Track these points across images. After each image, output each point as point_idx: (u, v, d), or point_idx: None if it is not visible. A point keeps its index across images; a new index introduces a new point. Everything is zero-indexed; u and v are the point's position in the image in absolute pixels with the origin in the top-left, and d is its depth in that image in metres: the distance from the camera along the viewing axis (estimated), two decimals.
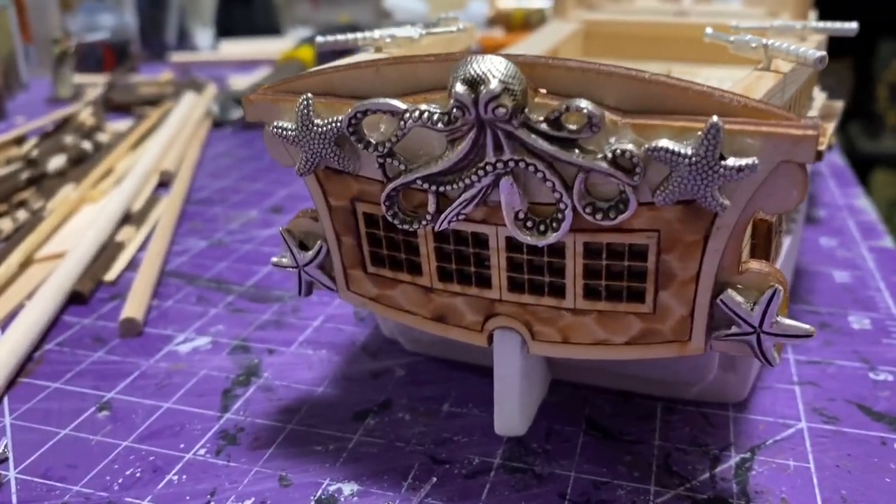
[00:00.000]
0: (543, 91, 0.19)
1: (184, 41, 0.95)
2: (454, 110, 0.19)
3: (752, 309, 0.20)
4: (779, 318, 0.20)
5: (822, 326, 0.32)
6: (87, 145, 0.52)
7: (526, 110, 0.19)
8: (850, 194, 0.47)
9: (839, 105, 0.36)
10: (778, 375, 0.29)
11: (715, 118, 0.17)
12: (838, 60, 2.75)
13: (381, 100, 0.20)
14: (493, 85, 0.18)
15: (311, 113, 0.21)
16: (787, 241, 0.29)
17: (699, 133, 0.18)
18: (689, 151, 0.18)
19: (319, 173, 0.23)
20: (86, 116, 0.60)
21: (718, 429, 0.26)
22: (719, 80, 0.31)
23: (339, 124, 0.21)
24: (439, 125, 0.20)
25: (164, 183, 0.49)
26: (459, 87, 0.19)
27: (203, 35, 1.00)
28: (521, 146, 0.19)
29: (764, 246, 0.23)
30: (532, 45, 0.43)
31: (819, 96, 0.36)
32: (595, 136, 0.19)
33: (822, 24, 0.30)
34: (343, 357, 0.30)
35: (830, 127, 0.31)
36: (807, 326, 0.20)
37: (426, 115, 0.20)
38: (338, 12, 1.11)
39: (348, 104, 0.21)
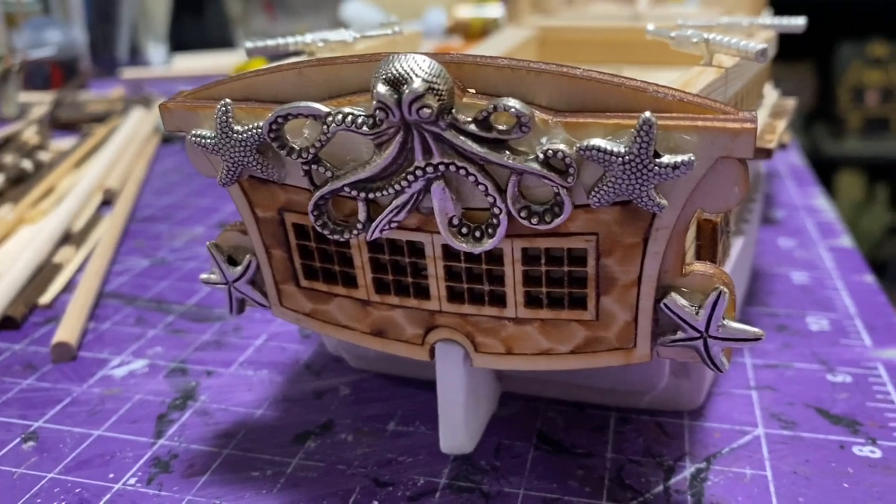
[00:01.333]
0: (472, 91, 0.18)
1: (136, 56, 0.93)
2: (378, 112, 0.18)
3: (696, 313, 0.19)
4: (726, 322, 0.19)
5: (780, 329, 0.31)
6: (27, 164, 0.50)
7: (453, 111, 0.18)
8: (808, 194, 0.47)
9: (791, 103, 0.36)
10: (735, 380, 0.28)
11: (648, 113, 0.17)
12: (799, 63, 2.80)
13: (303, 103, 0.19)
14: (417, 84, 0.17)
15: (230, 119, 0.20)
16: (738, 243, 0.28)
17: (632, 130, 0.17)
18: (623, 150, 0.17)
19: (244, 183, 0.22)
20: (29, 135, 0.58)
21: (673, 438, 0.25)
22: (670, 81, 0.30)
23: (259, 130, 0.20)
24: (364, 128, 0.18)
25: (107, 201, 0.48)
26: (381, 88, 0.18)
27: (156, 50, 0.98)
28: (450, 149, 0.18)
29: (710, 247, 0.22)
30: (485, 51, 0.43)
31: (771, 94, 0.35)
32: (526, 137, 0.18)
33: (769, 21, 0.30)
34: (285, 377, 0.29)
35: (781, 124, 0.30)
36: (755, 329, 0.19)
37: (350, 118, 0.18)
38: (296, 24, 1.10)
39: (270, 109, 0.20)
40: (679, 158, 0.17)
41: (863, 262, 0.37)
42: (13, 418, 0.27)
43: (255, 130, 0.20)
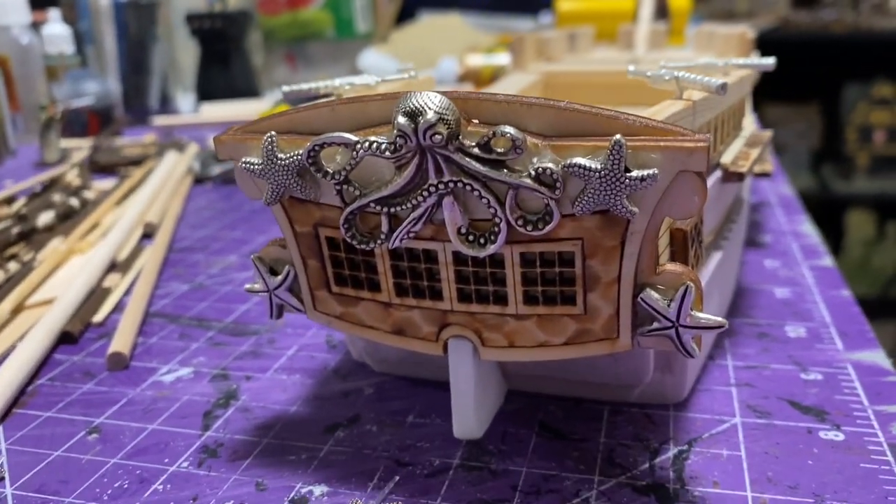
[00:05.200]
0: (476, 121, 0.22)
1: (166, 105, 0.99)
2: (398, 139, 0.22)
3: (668, 305, 0.23)
4: (693, 313, 0.23)
5: (760, 336, 0.35)
6: (74, 202, 0.54)
7: (460, 137, 0.22)
8: (795, 221, 0.50)
9: (767, 135, 0.39)
10: (716, 378, 0.31)
11: (618, 136, 0.20)
12: (806, 105, 2.84)
13: (336, 134, 0.23)
14: (430, 115, 0.21)
15: (275, 148, 0.24)
16: (717, 256, 0.32)
17: (607, 150, 0.21)
18: (599, 166, 0.21)
19: (285, 202, 0.25)
20: (72, 177, 0.63)
21: (659, 426, 0.28)
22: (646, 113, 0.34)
23: (299, 157, 0.24)
24: (387, 153, 0.22)
25: (148, 234, 0.52)
26: (401, 119, 0.21)
27: (184, 99, 1.04)
28: (457, 168, 0.22)
29: (681, 252, 0.26)
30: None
31: (749, 126, 0.39)
32: (520, 157, 0.22)
33: (741, 61, 0.34)
34: (315, 380, 0.32)
35: (755, 152, 0.34)
36: (719, 319, 0.23)
37: (375, 145, 0.22)
38: (315, 73, 1.15)
39: (308, 140, 0.24)
40: (645, 172, 0.21)
41: (841, 279, 0.40)
42: (77, 415, 0.31)
43: (295, 157, 0.24)
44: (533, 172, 0.21)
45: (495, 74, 1.02)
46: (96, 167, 0.71)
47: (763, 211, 0.52)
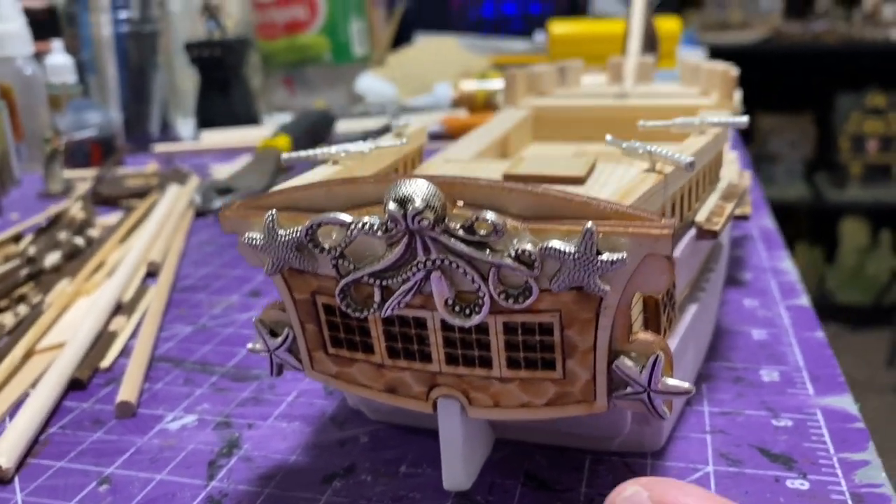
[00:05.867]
0: (461, 203, 0.24)
1: (167, 132, 1.01)
2: (388, 222, 0.24)
3: (640, 372, 0.25)
4: (664, 379, 0.25)
5: (736, 380, 0.36)
6: (79, 241, 0.56)
7: (446, 220, 0.24)
8: (775, 257, 0.52)
9: (745, 182, 0.41)
10: (693, 425, 0.33)
11: (589, 223, 0.22)
12: (800, 115, 2.86)
13: (332, 214, 0.25)
14: (418, 203, 0.23)
15: (275, 225, 0.26)
16: (692, 309, 0.33)
17: (580, 235, 0.23)
18: (573, 249, 0.23)
19: (284, 273, 0.27)
20: (76, 211, 0.65)
21: (638, 475, 0.30)
22: (624, 180, 0.37)
23: (298, 234, 0.25)
24: (378, 233, 0.24)
25: (151, 273, 0.54)
26: (391, 206, 0.23)
27: (185, 125, 1.06)
28: (444, 248, 0.24)
29: (654, 318, 0.27)
30: (485, 133, 0.49)
31: (726, 177, 0.41)
32: (501, 239, 0.23)
33: (717, 119, 0.35)
34: (313, 427, 0.34)
35: (729, 207, 0.36)
36: (686, 385, 0.25)
37: (367, 225, 0.24)
38: (313, 97, 1.17)
39: (306, 216, 0.26)
40: (615, 256, 0.22)
41: (816, 321, 0.42)
42: (88, 465, 0.32)
43: (295, 234, 0.26)
44: (513, 253, 0.23)
45: (489, 99, 1.04)
46: (99, 199, 0.72)
47: (745, 245, 0.54)
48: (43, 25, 0.96)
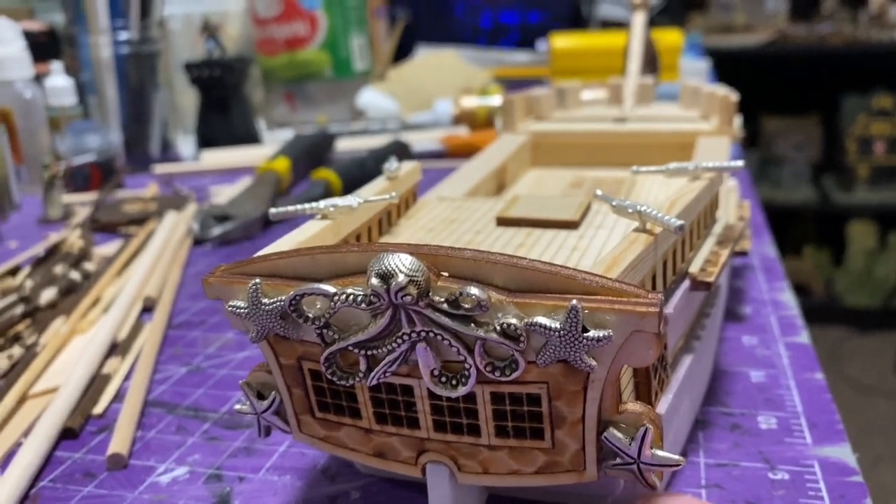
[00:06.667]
0: (445, 274, 0.24)
1: (167, 151, 1.01)
2: (371, 296, 0.23)
3: (630, 444, 0.24)
4: (654, 451, 0.24)
5: (733, 428, 0.36)
6: (75, 275, 0.56)
7: (430, 293, 0.23)
8: (775, 288, 0.51)
9: (741, 225, 0.41)
10: (688, 480, 0.32)
11: (574, 301, 0.22)
12: (806, 117, 2.84)
13: (316, 285, 0.25)
14: (401, 278, 0.23)
15: (259, 294, 0.26)
16: (687, 361, 0.33)
17: (565, 311, 0.22)
18: (558, 326, 0.22)
19: (270, 339, 0.27)
20: (74, 240, 0.65)
21: None
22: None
23: (282, 304, 0.25)
24: (362, 305, 0.24)
25: (147, 308, 0.53)
26: (374, 280, 0.23)
27: (185, 143, 1.06)
28: (428, 321, 0.24)
29: (645, 384, 0.27)
30: (483, 162, 0.48)
31: (722, 220, 0.40)
32: (486, 312, 0.23)
33: (712, 164, 0.35)
34: (304, 482, 0.34)
35: (725, 253, 0.35)
36: (676, 457, 0.24)
37: (351, 297, 0.24)
38: (314, 112, 1.17)
39: (291, 285, 0.25)
40: (601, 333, 0.22)
41: (815, 360, 0.41)
42: None
43: (279, 303, 0.25)
44: (498, 327, 0.23)
45: (490, 115, 1.04)
46: (98, 226, 0.72)
47: (745, 276, 0.54)
48: (42, 47, 0.96)
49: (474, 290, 0.23)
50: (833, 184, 2.62)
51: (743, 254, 0.45)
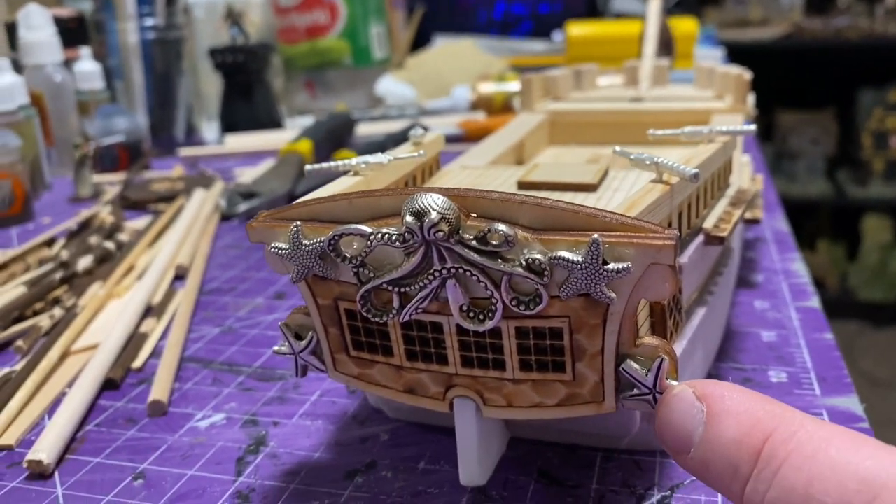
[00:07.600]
0: (474, 215, 0.26)
1: (192, 135, 1.03)
2: (406, 233, 0.25)
3: (646, 374, 0.26)
4: (669, 381, 0.26)
5: (745, 381, 0.37)
6: (110, 245, 0.58)
7: (460, 231, 0.25)
8: (787, 259, 0.53)
9: (754, 189, 0.42)
10: None
11: (595, 235, 0.24)
12: (821, 111, 2.83)
13: (353, 225, 0.26)
14: (433, 215, 0.24)
15: (300, 236, 0.27)
16: (701, 312, 0.35)
17: (587, 245, 0.24)
18: (580, 259, 0.24)
19: (308, 280, 0.29)
20: (106, 215, 0.67)
21: (646, 472, 0.31)
22: (633, 190, 0.39)
23: (321, 244, 0.27)
24: (397, 244, 0.26)
25: (179, 276, 0.55)
26: (409, 217, 0.25)
27: (210, 129, 1.08)
28: (458, 257, 0.25)
29: (660, 323, 0.29)
30: (501, 138, 0.50)
31: (736, 183, 0.42)
32: (512, 249, 0.25)
33: (725, 128, 0.37)
34: (336, 426, 0.36)
35: (737, 213, 0.37)
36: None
37: (386, 236, 0.26)
38: (334, 100, 1.19)
39: (329, 227, 0.27)
40: (620, 266, 0.24)
41: (825, 322, 0.43)
42: (123, 461, 0.34)
43: (318, 244, 0.27)
44: (524, 262, 0.25)
45: (507, 101, 1.05)
46: (127, 203, 0.75)
47: (757, 248, 0.55)
48: (71, 33, 0.99)
49: (502, 227, 0.24)
50: (848, 178, 2.62)
51: (755, 221, 0.46)
